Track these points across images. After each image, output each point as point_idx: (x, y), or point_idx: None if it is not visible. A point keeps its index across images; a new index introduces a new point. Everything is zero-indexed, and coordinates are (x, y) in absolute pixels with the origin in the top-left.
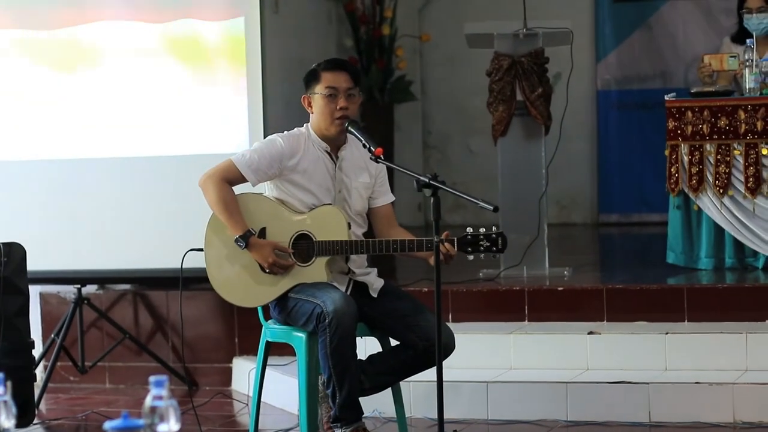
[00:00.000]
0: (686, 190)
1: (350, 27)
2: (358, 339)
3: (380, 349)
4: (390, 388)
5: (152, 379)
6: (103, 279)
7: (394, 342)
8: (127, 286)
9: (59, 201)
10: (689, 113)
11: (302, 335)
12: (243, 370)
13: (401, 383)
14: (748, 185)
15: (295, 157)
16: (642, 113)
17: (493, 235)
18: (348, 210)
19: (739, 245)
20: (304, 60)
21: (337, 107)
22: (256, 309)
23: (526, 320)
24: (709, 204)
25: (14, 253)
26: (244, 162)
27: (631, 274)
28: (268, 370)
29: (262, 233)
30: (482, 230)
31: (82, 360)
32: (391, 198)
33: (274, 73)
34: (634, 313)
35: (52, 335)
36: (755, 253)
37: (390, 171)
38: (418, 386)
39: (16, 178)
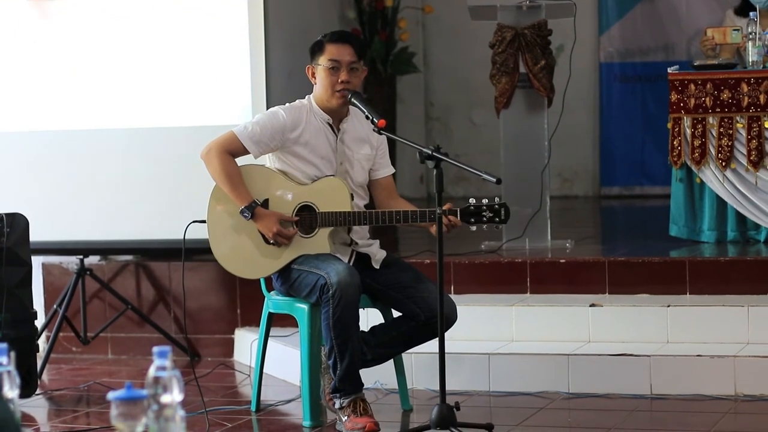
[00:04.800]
0: (689, 163)
1: None
2: (360, 310)
3: (382, 321)
4: (392, 360)
5: (155, 349)
6: (105, 250)
7: (396, 313)
8: (129, 257)
9: (62, 172)
10: (692, 86)
11: (305, 306)
12: (245, 341)
13: (403, 355)
14: (751, 158)
15: (297, 129)
16: (644, 86)
17: (496, 206)
18: (350, 182)
19: (741, 218)
20: (306, 31)
21: (339, 80)
22: (258, 280)
23: (528, 292)
24: (711, 177)
25: (17, 223)
26: (246, 134)
27: (633, 247)
28: (270, 341)
29: (265, 205)
30: (485, 201)
31: (84, 331)
32: (392, 170)
33: (276, 45)
34: (635, 286)
35: (55, 306)
36: (757, 226)
37: (392, 143)
38: (419, 358)
39: (19, 148)
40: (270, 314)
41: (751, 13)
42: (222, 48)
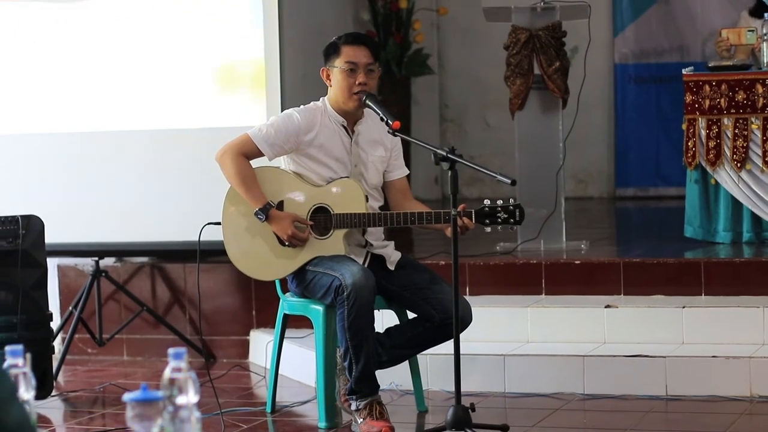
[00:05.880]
0: (704, 164)
1: (367, 0)
2: (375, 312)
3: (397, 322)
4: (407, 361)
5: (171, 351)
6: (120, 251)
7: (411, 315)
8: (144, 259)
9: (77, 174)
10: (707, 87)
11: (320, 308)
12: (260, 343)
13: (418, 356)
14: (766, 159)
15: (312, 131)
16: (659, 87)
17: (511, 207)
18: (364, 184)
19: (756, 219)
20: (321, 33)
21: (356, 82)
22: (273, 282)
23: (543, 294)
24: (726, 178)
25: (32, 225)
26: (261, 136)
27: (648, 248)
28: (285, 342)
29: (280, 206)
30: (500, 202)
31: (99, 332)
32: (406, 171)
33: (291, 47)
34: (651, 287)
35: (70, 308)
36: None
37: (407, 144)
38: (435, 359)
39: (34, 150)
40: (285, 316)
41: (765, 14)
42: (236, 49)
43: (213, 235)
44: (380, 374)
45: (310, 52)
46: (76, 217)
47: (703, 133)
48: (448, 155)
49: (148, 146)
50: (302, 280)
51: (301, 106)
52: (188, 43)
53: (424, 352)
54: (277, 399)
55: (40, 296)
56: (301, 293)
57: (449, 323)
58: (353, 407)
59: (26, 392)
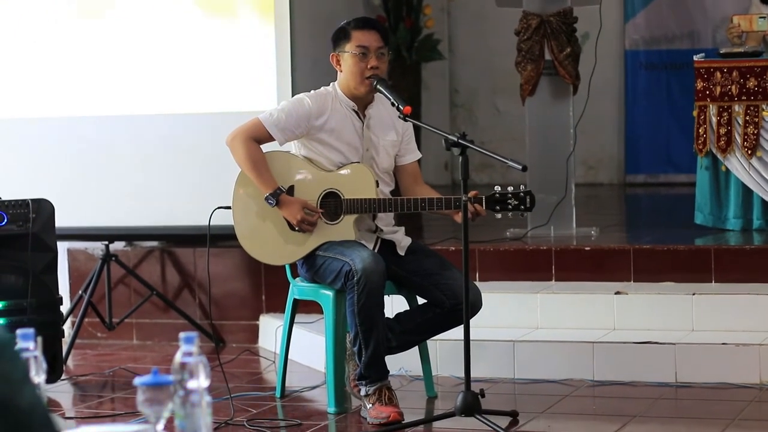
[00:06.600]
0: (714, 151)
1: None
2: (385, 297)
3: (407, 308)
4: (417, 347)
5: (182, 335)
6: (130, 236)
7: (421, 300)
8: (154, 243)
9: (88, 158)
10: (718, 74)
11: (330, 293)
12: (270, 328)
13: (428, 342)
14: None
15: (323, 116)
16: (670, 73)
17: (521, 194)
18: (375, 168)
19: (766, 206)
20: (332, 18)
21: (368, 66)
22: (283, 266)
23: (553, 280)
24: (737, 165)
25: (43, 209)
26: (272, 121)
27: (658, 235)
28: (295, 327)
29: (290, 191)
30: (510, 188)
31: (109, 316)
32: (418, 155)
33: (302, 31)
34: (661, 274)
35: (80, 291)
36: None
37: (417, 129)
38: (444, 345)
39: (45, 134)
40: (295, 300)
41: None
42: (247, 34)
43: (223, 219)
44: (390, 360)
45: (320, 38)
46: (87, 201)
47: (714, 119)
48: (459, 141)
49: (158, 130)
50: (312, 265)
51: (312, 91)
52: (199, 28)
53: (433, 338)
54: (287, 384)
55: (50, 280)
56: (311, 278)
57: (459, 309)
58: (362, 392)
59: (37, 376)
